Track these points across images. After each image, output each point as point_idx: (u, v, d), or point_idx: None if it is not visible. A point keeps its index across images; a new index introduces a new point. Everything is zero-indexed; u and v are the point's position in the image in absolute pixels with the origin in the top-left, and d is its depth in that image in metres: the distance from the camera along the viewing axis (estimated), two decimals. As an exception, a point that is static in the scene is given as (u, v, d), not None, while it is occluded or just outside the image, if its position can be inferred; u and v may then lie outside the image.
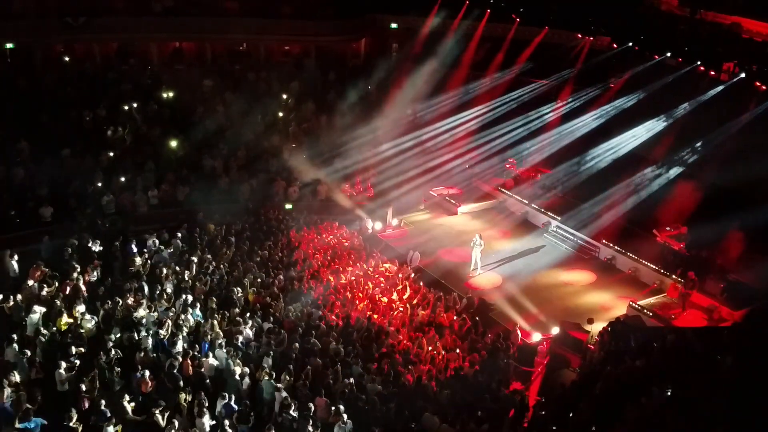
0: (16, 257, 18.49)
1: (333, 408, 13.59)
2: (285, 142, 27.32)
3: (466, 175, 27.19)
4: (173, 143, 25.96)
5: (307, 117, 29.94)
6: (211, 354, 15.40)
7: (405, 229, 24.28)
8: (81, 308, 16.68)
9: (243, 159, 26.15)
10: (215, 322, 16.47)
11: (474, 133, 28.54)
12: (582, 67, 28.79)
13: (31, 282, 17.53)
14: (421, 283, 19.56)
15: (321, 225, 22.84)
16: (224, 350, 15.41)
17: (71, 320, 16.29)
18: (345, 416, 13.32)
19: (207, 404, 13.67)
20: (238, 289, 18.09)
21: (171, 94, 29.16)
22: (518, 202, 25.58)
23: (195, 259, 19.41)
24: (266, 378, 14.60)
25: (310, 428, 13.03)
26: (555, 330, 17.89)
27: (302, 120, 29.62)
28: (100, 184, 23.04)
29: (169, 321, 16.27)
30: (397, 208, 24.63)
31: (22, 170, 23.06)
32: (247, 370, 14.79)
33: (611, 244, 22.17)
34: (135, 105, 27.89)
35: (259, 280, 18.79)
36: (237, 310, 17.18)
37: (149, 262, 19.16)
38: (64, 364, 14.69)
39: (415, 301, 18.53)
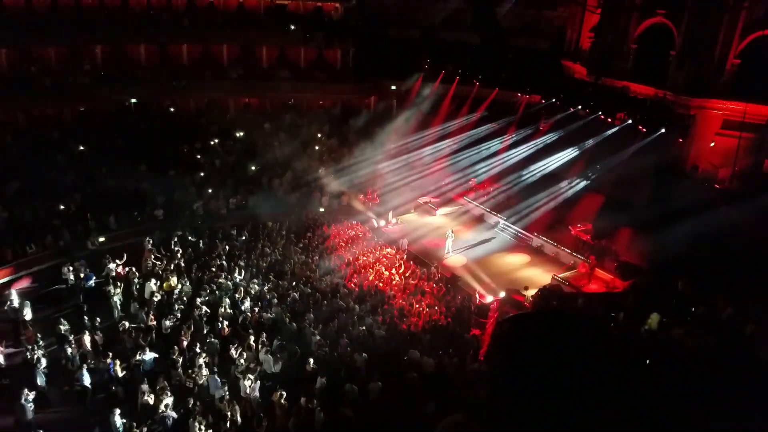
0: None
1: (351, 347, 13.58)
2: (319, 166, 27.28)
3: (442, 187, 27.00)
4: (252, 167, 25.86)
5: (334, 149, 29.98)
6: (270, 309, 15.46)
7: (400, 225, 24.18)
8: (182, 279, 16.75)
9: (291, 178, 26.06)
10: (272, 289, 16.53)
11: (447, 157, 28.43)
12: (521, 115, 28.67)
13: (148, 260, 17.58)
14: (412, 262, 19.48)
15: (344, 222, 22.72)
16: (279, 307, 15.47)
17: (174, 286, 16.35)
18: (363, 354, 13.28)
19: (267, 344, 13.68)
20: (288, 265, 18.12)
21: (242, 133, 29.21)
22: (477, 206, 25.39)
23: (258, 245, 19.43)
24: (308, 326, 14.59)
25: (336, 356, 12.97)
26: (502, 294, 17.72)
27: (331, 151, 29.64)
28: (195, 195, 23.08)
29: (241, 287, 16.32)
30: (395, 210, 24.50)
31: (143, 185, 23.15)
32: (294, 322, 14.81)
33: (540, 236, 22.00)
34: (217, 140, 27.88)
35: (301, 260, 18.79)
36: (286, 281, 17.20)
37: (227, 247, 19.17)
38: (170, 316, 14.73)
39: (407, 274, 18.48)
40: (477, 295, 17.46)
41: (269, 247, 19.53)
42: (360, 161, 27.38)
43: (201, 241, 19.52)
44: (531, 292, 17.22)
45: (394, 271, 18.77)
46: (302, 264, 18.53)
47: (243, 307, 15.44)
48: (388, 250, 20.51)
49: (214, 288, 16.32)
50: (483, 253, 21.25)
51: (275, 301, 15.86)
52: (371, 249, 20.25)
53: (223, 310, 15.22)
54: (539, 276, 19.63)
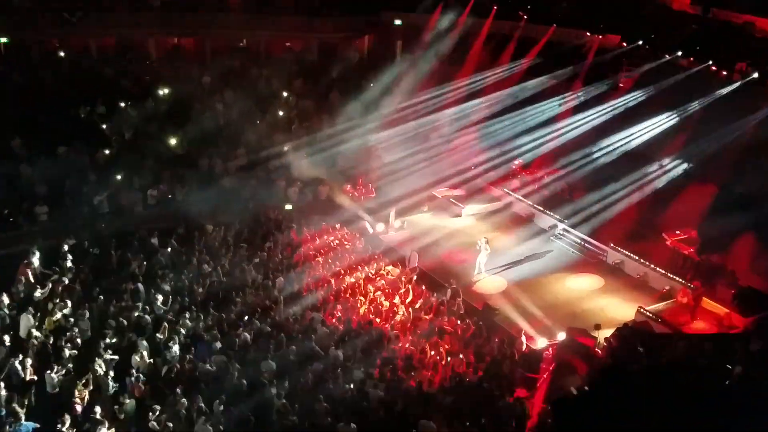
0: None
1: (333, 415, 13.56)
2: (285, 140, 27.31)
3: (471, 175, 27.07)
4: (172, 141, 25.95)
5: (307, 114, 29.96)
6: (208, 358, 15.43)
7: (407, 230, 24.13)
8: (76, 311, 16.68)
9: (242, 159, 26.10)
10: (213, 325, 16.51)
11: (477, 127, 28.57)
12: (590, 64, 28.76)
13: (22, 282, 17.52)
14: (424, 287, 19.47)
15: (322, 226, 22.70)
16: (222, 354, 15.42)
17: (64, 322, 16.28)
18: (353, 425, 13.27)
19: (204, 409, 13.66)
20: (237, 291, 18.09)
21: (168, 91, 29.20)
22: (524, 204, 25.46)
23: (192, 259, 19.39)
24: (266, 382, 14.57)
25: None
26: (561, 336, 17.74)
27: (303, 117, 29.62)
28: (95, 182, 23.04)
29: (165, 324, 16.28)
30: (400, 209, 24.50)
31: (17, 168, 23.03)
32: (245, 375, 14.79)
33: (619, 248, 22.02)
34: (130, 102, 27.91)
35: (258, 282, 18.75)
36: (233, 314, 17.11)
37: (144, 262, 19.13)
38: (56, 367, 14.69)
39: (417, 305, 18.46)
40: (523, 338, 17.51)
41: (208, 262, 19.50)
42: (346, 133, 27.53)
43: (105, 254, 19.48)
44: (605, 334, 17.27)
45: (397, 299, 18.75)
46: (258, 288, 18.50)
47: (168, 354, 15.43)
48: (389, 268, 20.55)
49: (125, 324, 16.31)
50: (532, 274, 21.32)
51: (217, 344, 15.82)
52: (363, 266, 20.25)
53: (138, 358, 15.20)
54: (617, 308, 19.69)
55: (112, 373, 14.84)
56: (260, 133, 27.18)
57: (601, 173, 24.88)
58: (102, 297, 17.27)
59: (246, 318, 17.06)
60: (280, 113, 29.53)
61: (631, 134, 25.68)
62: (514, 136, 27.78)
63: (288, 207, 23.99)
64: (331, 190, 25.03)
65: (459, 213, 25.41)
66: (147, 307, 17.15)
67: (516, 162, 27.47)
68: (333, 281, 19.15)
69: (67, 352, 15.17)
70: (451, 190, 26.40)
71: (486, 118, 28.87)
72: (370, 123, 28.11)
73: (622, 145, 25.62)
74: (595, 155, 25.92)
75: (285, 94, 30.67)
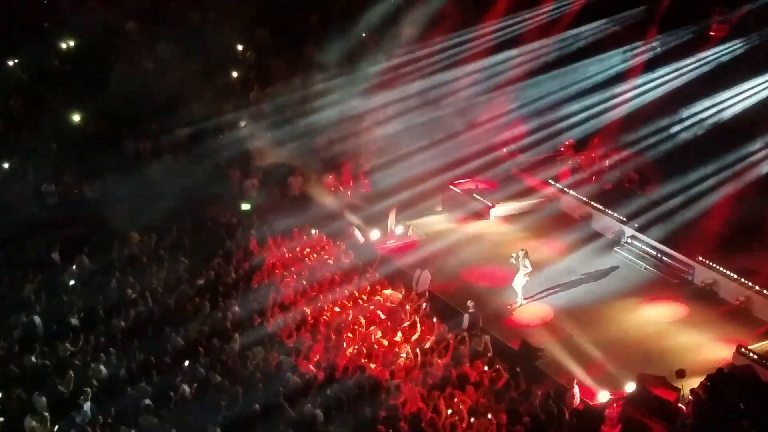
0: None
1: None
2: (242, 113, 27.35)
3: (503, 161, 27.14)
4: (77, 115, 25.94)
5: (269, 73, 30.00)
6: (133, 418, 15.36)
7: (414, 239, 24.21)
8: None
9: (181, 139, 26.06)
10: (139, 372, 16.39)
11: (509, 90, 28.58)
12: (668, 5, 28.76)
13: None
14: (436, 318, 19.39)
15: (293, 233, 22.63)
16: (153, 414, 15.36)
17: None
18: None
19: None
20: (173, 324, 18.01)
21: (74, 43, 29.12)
22: (578, 200, 25.50)
23: (111, 281, 19.31)
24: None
25: None
26: (630, 386, 17.69)
27: (267, 81, 29.65)
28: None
29: (71, 372, 16.19)
30: (404, 209, 24.57)
31: None
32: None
33: (710, 262, 22.03)
34: (17, 60, 27.85)
35: (203, 311, 18.67)
36: (168, 357, 17.08)
37: (44, 286, 19.01)
38: None
39: (428, 344, 18.41)
40: (576, 389, 17.44)
41: (133, 285, 19.47)
42: (326, 99, 27.56)
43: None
44: (691, 384, 17.23)
45: (399, 336, 18.75)
46: (204, 320, 18.46)
47: (78, 415, 15.22)
48: (388, 291, 20.57)
49: (16, 372, 16.20)
50: (588, 299, 21.50)
51: (145, 401, 15.74)
52: (351, 289, 20.27)
53: (35, 422, 15.08)
54: (707, 347, 19.67)
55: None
56: (206, 102, 27.18)
57: (684, 155, 24.96)
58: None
59: (186, 362, 16.97)
60: (234, 74, 29.45)
61: (725, 101, 25.72)
62: (562, 103, 27.82)
63: (245, 206, 24.02)
64: (305, 181, 24.99)
65: (485, 214, 25.46)
66: (46, 349, 17.00)
67: (565, 141, 27.52)
68: (309, 310, 19.13)
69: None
70: (473, 182, 26.48)
71: (523, 77, 28.81)
72: (360, 84, 28.09)
73: (712, 116, 25.65)
74: (675, 130, 25.98)
75: (240, 47, 30.58)
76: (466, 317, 19.33)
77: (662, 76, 27.60)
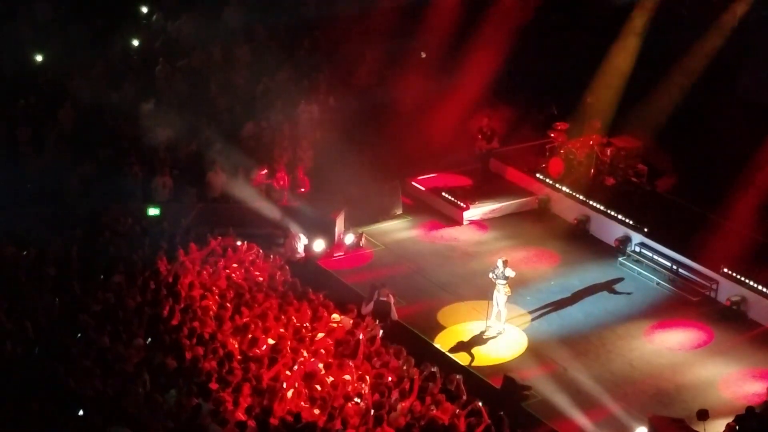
0: None
1: None
2: (143, 88, 27.16)
3: (478, 152, 27.20)
4: None
5: (185, 43, 29.81)
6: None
7: (368, 250, 24.32)
8: None
9: (68, 122, 25.69)
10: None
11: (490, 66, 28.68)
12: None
13: None
14: (392, 350, 19.29)
15: (211, 243, 22.56)
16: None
17: None
18: None
19: None
20: (64, 366, 17.66)
21: None
22: (573, 199, 25.61)
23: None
24: None
25: None
26: (641, 431, 17.87)
27: (176, 49, 29.52)
28: None
29: None
30: (355, 213, 24.77)
31: None
32: None
33: (738, 276, 22.22)
34: None
35: (101, 347, 18.26)
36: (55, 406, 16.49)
37: None
38: None
39: (389, 379, 18.21)
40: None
41: (8, 312, 19.04)
42: (258, 78, 27.71)
43: None
44: (716, 427, 17.55)
45: (349, 375, 18.67)
46: (102, 356, 18.02)
47: None
48: (336, 316, 20.52)
49: None
50: (588, 324, 21.91)
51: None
52: (289, 315, 20.26)
53: None
54: (734, 381, 19.98)
55: None
56: (97, 75, 26.94)
57: (707, 141, 25.72)
58: None
59: (81, 410, 16.51)
60: (135, 42, 29.30)
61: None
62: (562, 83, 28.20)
63: (152, 211, 23.74)
64: (228, 179, 24.83)
65: (459, 217, 25.54)
66: None
67: (556, 127, 27.51)
68: (235, 342, 19.02)
69: None
70: (442, 177, 26.59)
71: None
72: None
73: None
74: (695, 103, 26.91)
75: (144, 8, 30.50)
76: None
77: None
